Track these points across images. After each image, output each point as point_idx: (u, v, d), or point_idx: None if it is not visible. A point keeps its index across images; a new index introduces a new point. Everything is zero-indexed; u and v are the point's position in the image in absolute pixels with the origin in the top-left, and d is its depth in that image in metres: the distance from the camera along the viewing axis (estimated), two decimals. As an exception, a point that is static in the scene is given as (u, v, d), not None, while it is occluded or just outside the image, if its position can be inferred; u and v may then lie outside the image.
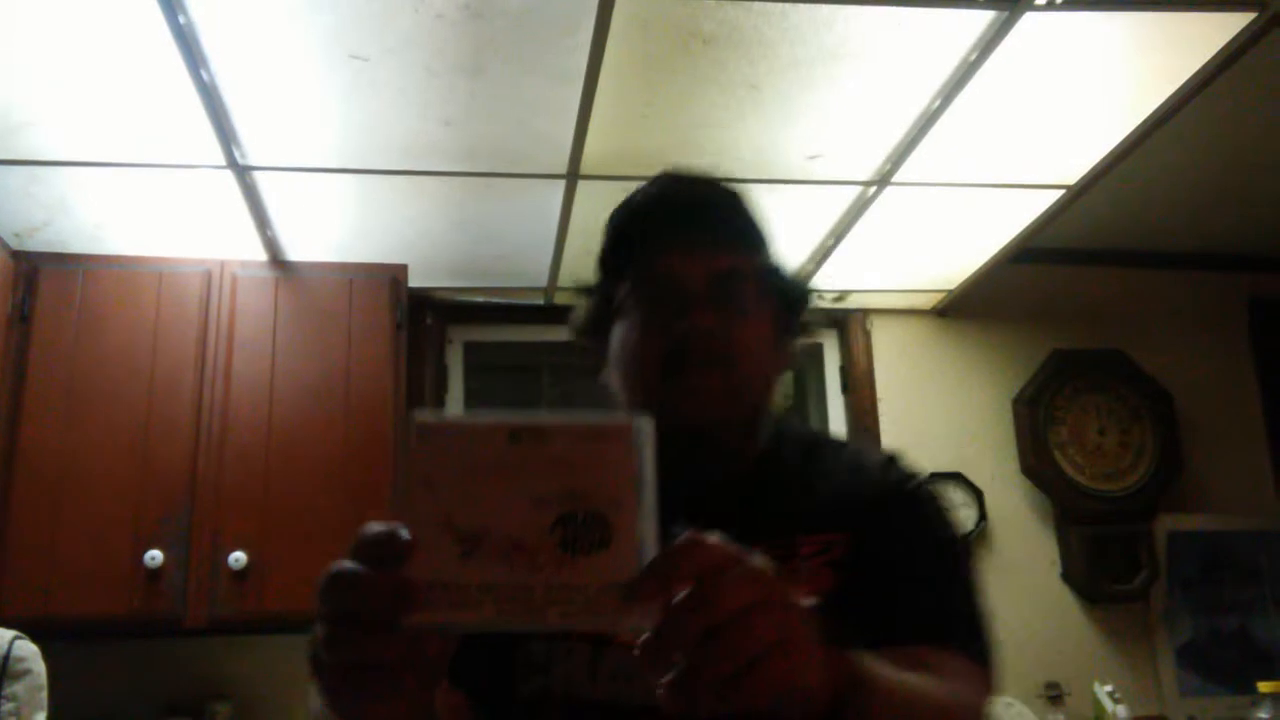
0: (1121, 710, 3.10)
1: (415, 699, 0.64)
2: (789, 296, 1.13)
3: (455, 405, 3.38)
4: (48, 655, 2.02)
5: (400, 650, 0.61)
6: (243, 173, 2.52)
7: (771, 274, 1.12)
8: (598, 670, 0.99)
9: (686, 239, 1.07)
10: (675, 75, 2.23)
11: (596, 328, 1.11)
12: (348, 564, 0.64)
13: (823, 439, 1.25)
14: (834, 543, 1.02)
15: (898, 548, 1.04)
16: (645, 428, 0.61)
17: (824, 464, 1.12)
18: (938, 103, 2.34)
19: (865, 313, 3.60)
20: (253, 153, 2.45)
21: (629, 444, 0.61)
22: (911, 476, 1.12)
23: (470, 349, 3.47)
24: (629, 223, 1.11)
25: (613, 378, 1.10)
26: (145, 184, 2.57)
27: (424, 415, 0.63)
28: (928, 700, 0.87)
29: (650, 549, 0.60)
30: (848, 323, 3.59)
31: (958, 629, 1.02)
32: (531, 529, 0.59)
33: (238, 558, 2.65)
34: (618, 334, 1.08)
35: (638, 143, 2.48)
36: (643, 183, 1.15)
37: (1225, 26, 2.13)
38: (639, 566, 0.59)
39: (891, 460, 1.13)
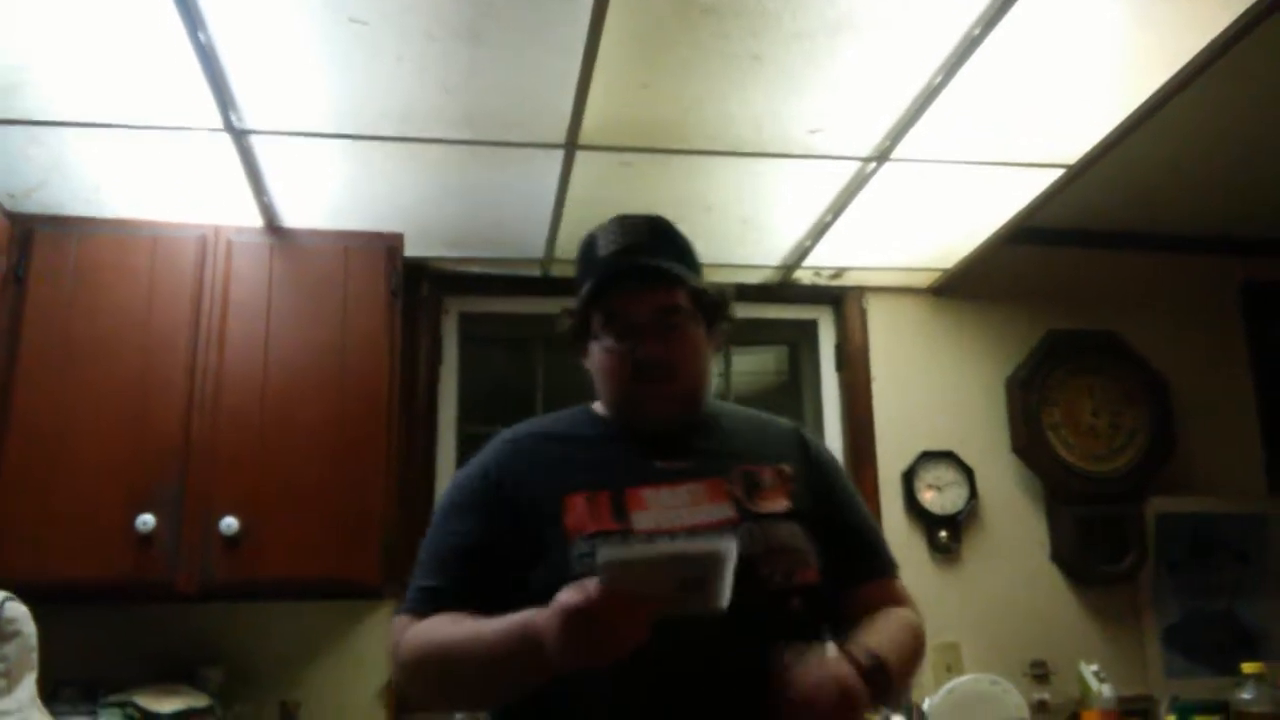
0: (1107, 689, 3.12)
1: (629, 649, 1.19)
2: (713, 309, 1.56)
3: (449, 375, 3.37)
4: (39, 617, 2.02)
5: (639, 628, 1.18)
6: (240, 136, 2.50)
7: (700, 295, 1.54)
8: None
9: (637, 283, 1.49)
10: (676, 45, 2.21)
11: (577, 339, 1.58)
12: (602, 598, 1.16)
13: (735, 405, 1.78)
14: (782, 470, 1.53)
15: (835, 487, 1.60)
16: (730, 549, 1.15)
17: (750, 419, 1.67)
18: (939, 78, 2.33)
19: (862, 290, 3.60)
20: (250, 116, 2.43)
21: (721, 559, 1.15)
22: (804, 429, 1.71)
23: (466, 319, 3.46)
24: (594, 268, 1.52)
25: (596, 378, 1.57)
26: (142, 147, 2.56)
27: (606, 556, 1.16)
28: (909, 644, 1.49)
29: (727, 587, 1.17)
30: (844, 300, 3.59)
31: (887, 560, 1.62)
32: (668, 589, 1.16)
33: (230, 523, 2.65)
34: (595, 351, 1.54)
35: (637, 113, 2.47)
36: (604, 224, 1.58)
37: (1229, 7, 2.13)
38: (721, 595, 1.16)
39: (787, 420, 1.71)
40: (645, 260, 1.49)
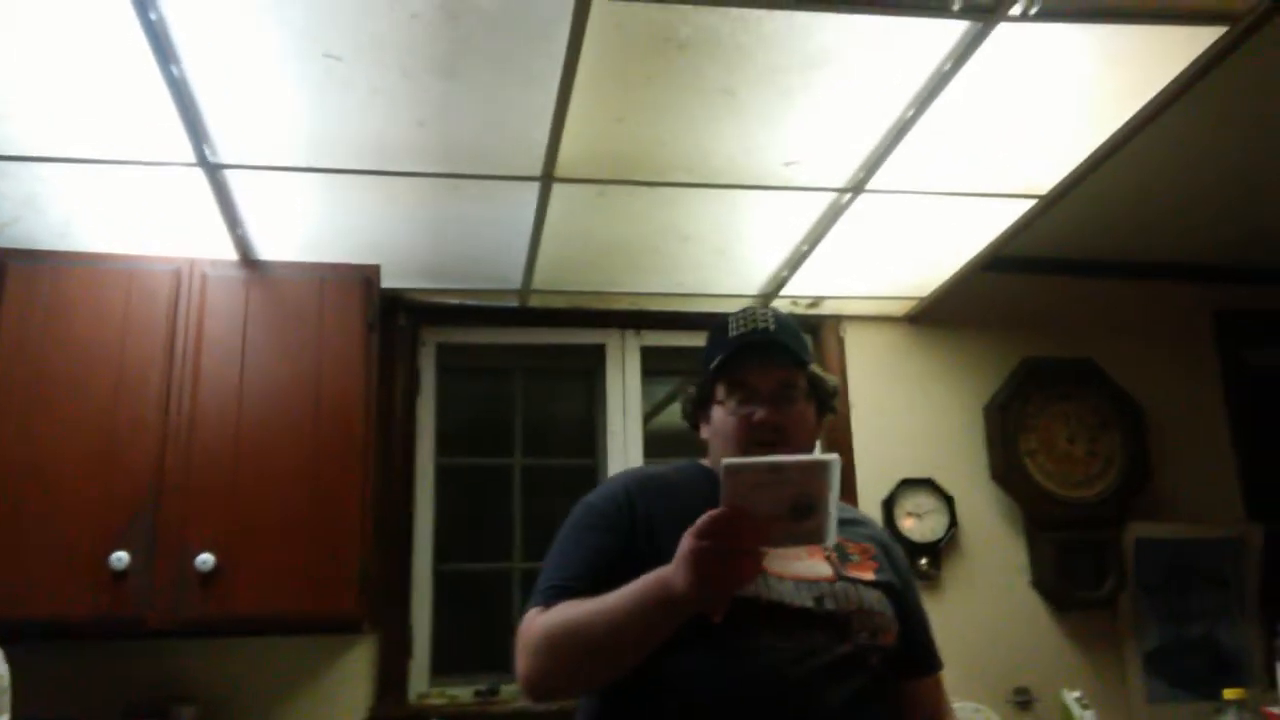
0: (1089, 716, 3.12)
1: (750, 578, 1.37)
2: (822, 391, 1.77)
3: (427, 407, 3.36)
4: (11, 658, 1.99)
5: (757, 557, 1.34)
6: (213, 171, 2.50)
7: (813, 378, 1.74)
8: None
9: (761, 359, 1.70)
10: (651, 80, 2.22)
11: (699, 407, 1.79)
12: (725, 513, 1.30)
13: None
14: (868, 549, 1.74)
15: (905, 582, 1.77)
16: (834, 463, 1.28)
17: (842, 507, 1.68)
18: (911, 111, 2.35)
19: (839, 319, 3.62)
20: (224, 151, 2.42)
21: (827, 469, 1.28)
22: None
23: (443, 350, 3.45)
24: (725, 345, 1.71)
25: (713, 440, 1.75)
26: (115, 181, 2.55)
27: (729, 460, 1.30)
28: None
29: (834, 517, 1.30)
30: (821, 329, 3.60)
31: (937, 658, 1.82)
32: (783, 509, 1.28)
33: (205, 559, 2.63)
34: (716, 415, 1.73)
35: (613, 147, 2.48)
36: (735, 312, 1.77)
37: (1196, 40, 2.15)
38: (828, 523, 1.30)
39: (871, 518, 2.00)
40: (774, 339, 1.71)
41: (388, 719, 3.02)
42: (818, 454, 1.31)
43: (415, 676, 3.12)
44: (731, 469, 1.28)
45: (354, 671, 3.05)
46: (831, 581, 1.61)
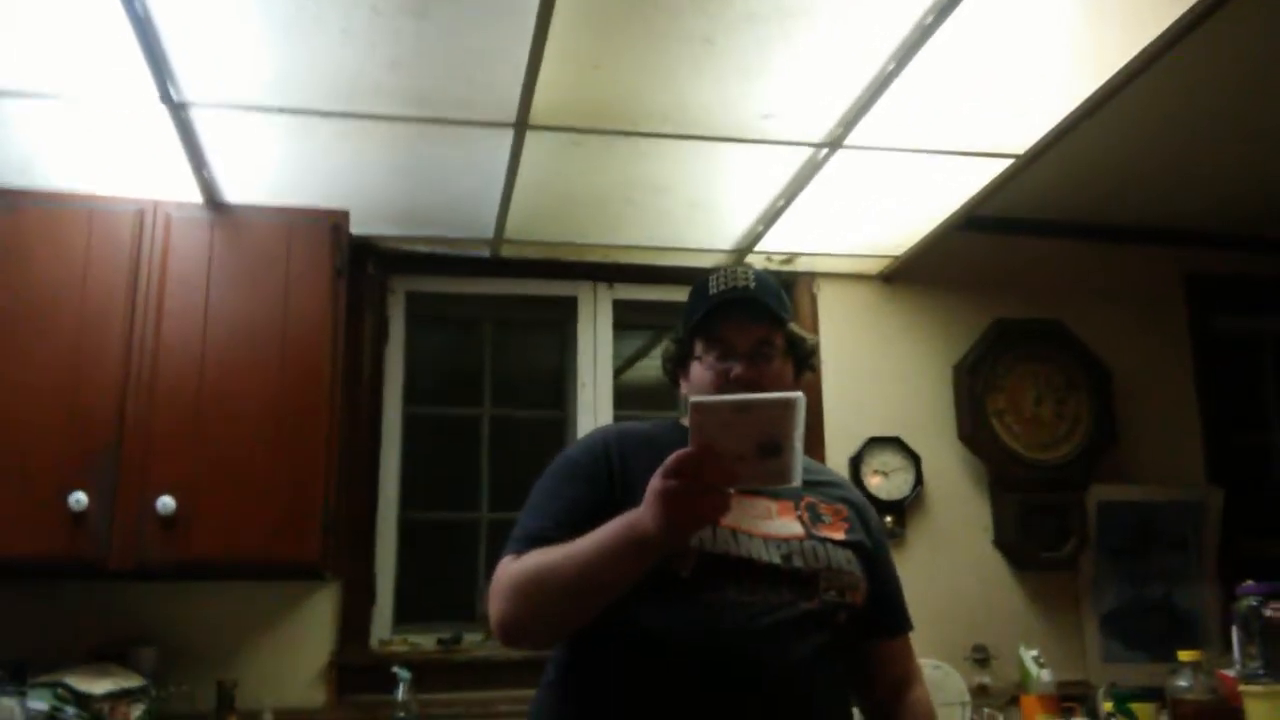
0: (1046, 674, 3.16)
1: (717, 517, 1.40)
2: (800, 350, 1.79)
3: (395, 356, 3.33)
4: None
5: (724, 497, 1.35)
6: (178, 109, 2.43)
7: (792, 336, 1.77)
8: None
9: (740, 316, 1.71)
10: (628, 25, 2.18)
11: (678, 363, 1.80)
12: (693, 451, 1.31)
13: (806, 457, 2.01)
14: (840, 510, 1.75)
15: (876, 543, 1.78)
16: (799, 400, 1.29)
17: (819, 469, 1.88)
18: (892, 66, 2.33)
19: (813, 276, 3.60)
20: (188, 89, 2.36)
21: (792, 407, 1.29)
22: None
23: (413, 299, 3.41)
24: (706, 302, 1.72)
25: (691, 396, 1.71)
26: (77, 118, 2.48)
27: (697, 397, 1.34)
28: None
29: (799, 456, 1.32)
30: (795, 285, 3.59)
31: (906, 618, 1.83)
32: (750, 448, 1.30)
33: (166, 502, 2.60)
34: (695, 371, 1.74)
35: (588, 94, 2.44)
36: (715, 269, 1.78)
37: (1176, 3, 2.13)
38: (794, 462, 1.31)
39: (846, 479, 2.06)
40: (752, 298, 1.71)
41: (350, 665, 3.03)
42: (783, 393, 1.32)
43: (378, 624, 3.12)
44: (699, 406, 1.31)
45: (316, 617, 3.05)
46: (801, 540, 1.63)
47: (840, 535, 1.69)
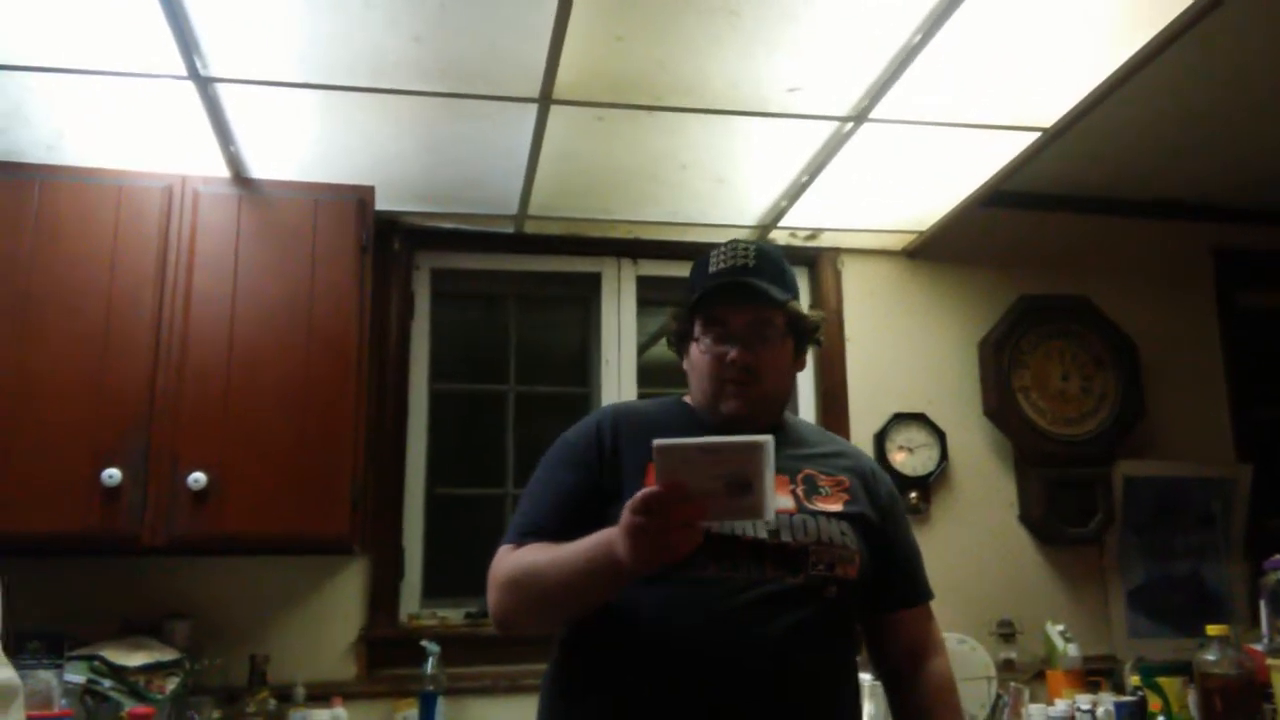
0: (1072, 649, 3.16)
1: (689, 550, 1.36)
2: (802, 329, 1.76)
3: (421, 332, 3.34)
4: (3, 571, 1.99)
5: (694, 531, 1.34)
6: (205, 84, 2.45)
7: (792, 315, 1.73)
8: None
9: (737, 297, 1.69)
10: (653, -2, 2.18)
11: (680, 341, 1.79)
12: (659, 492, 1.30)
13: (815, 425, 2.12)
14: (841, 482, 1.73)
15: (889, 514, 1.77)
16: (768, 444, 1.29)
17: (824, 438, 1.89)
18: (918, 38, 2.31)
19: (837, 252, 3.59)
20: (215, 64, 2.38)
21: (759, 451, 1.28)
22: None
23: (437, 276, 3.43)
24: (704, 281, 1.73)
25: (691, 375, 1.77)
26: (105, 93, 2.50)
27: (660, 441, 1.29)
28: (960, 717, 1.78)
29: (771, 492, 1.30)
30: (819, 261, 3.58)
31: (925, 589, 1.82)
32: (719, 486, 1.28)
33: (198, 478, 2.63)
34: (694, 351, 1.75)
35: (612, 67, 2.43)
36: (718, 245, 1.77)
37: (1210, -31, 2.11)
38: (766, 500, 1.29)
39: (857, 448, 1.94)
40: (750, 280, 1.70)
41: (379, 639, 3.05)
42: (751, 436, 1.31)
43: (406, 598, 3.15)
44: (661, 450, 1.29)
45: (346, 592, 3.07)
46: (792, 514, 1.63)
47: (837, 507, 1.68)
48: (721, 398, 1.71)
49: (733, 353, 1.68)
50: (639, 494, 1.32)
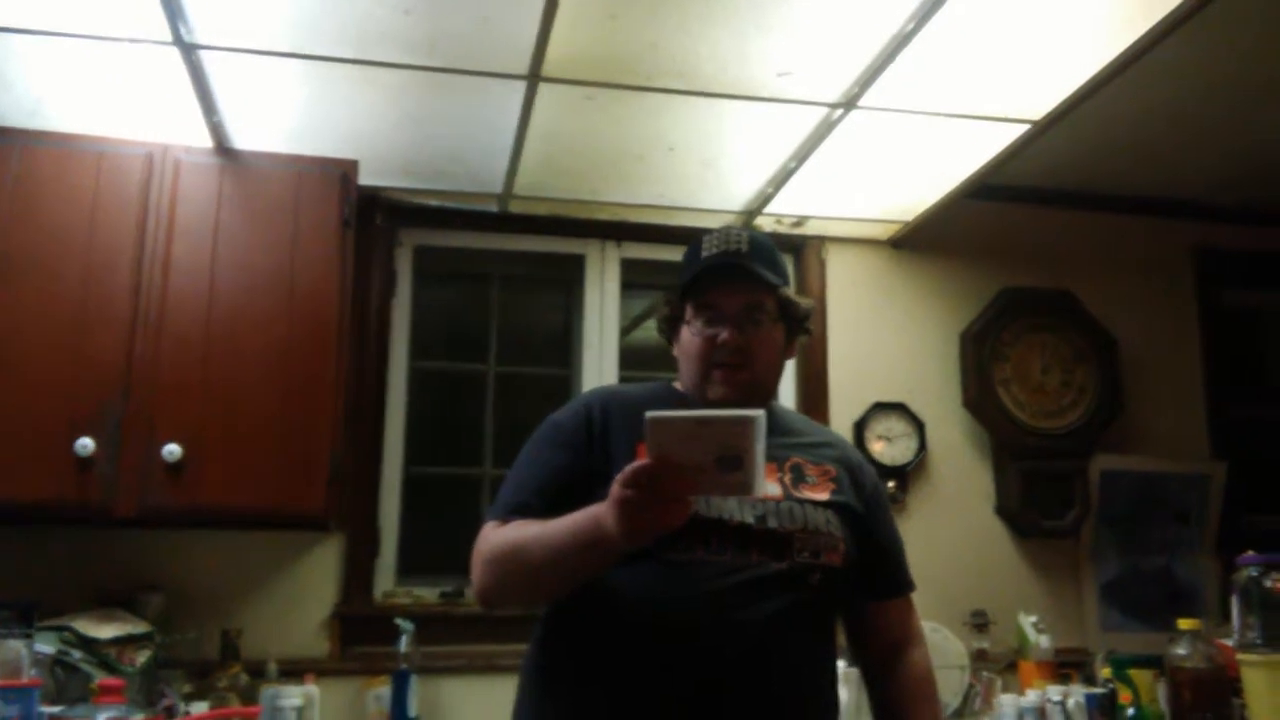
0: (1044, 641, 3.19)
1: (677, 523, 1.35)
2: (793, 315, 1.77)
3: (402, 309, 3.32)
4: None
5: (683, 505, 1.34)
6: (189, 50, 2.41)
7: (784, 302, 1.74)
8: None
9: (729, 280, 1.70)
10: (646, -24, 2.16)
11: (671, 325, 1.80)
12: (649, 465, 1.29)
13: (801, 415, 2.05)
14: (828, 470, 1.74)
15: (872, 504, 1.78)
16: (759, 418, 1.28)
17: (811, 427, 1.90)
18: (911, 25, 2.30)
19: (822, 240, 3.59)
20: (200, 30, 2.34)
21: (751, 425, 1.27)
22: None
23: (420, 253, 3.40)
24: (697, 264, 1.72)
25: (681, 359, 1.77)
26: (88, 58, 2.46)
27: (652, 414, 1.28)
28: (938, 715, 1.81)
29: (761, 468, 1.29)
30: (804, 249, 3.58)
31: (907, 580, 1.84)
32: (709, 461, 1.28)
33: (172, 450, 2.60)
34: (685, 334, 1.75)
35: (602, 46, 2.41)
36: (710, 231, 1.78)
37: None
38: (756, 475, 1.28)
39: (843, 437, 1.98)
40: (743, 263, 1.70)
41: (353, 616, 3.04)
42: (742, 410, 1.30)
43: (381, 576, 3.14)
44: (654, 422, 1.29)
45: (321, 568, 3.06)
46: (779, 501, 1.64)
47: (823, 496, 1.69)
48: (709, 381, 1.71)
49: (724, 334, 1.68)
50: (629, 467, 1.31)
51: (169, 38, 2.35)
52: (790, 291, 1.77)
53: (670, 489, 1.31)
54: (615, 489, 1.33)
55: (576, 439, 1.68)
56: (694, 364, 1.73)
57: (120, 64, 2.48)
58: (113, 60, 2.46)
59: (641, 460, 1.31)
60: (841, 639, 1.81)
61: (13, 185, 2.67)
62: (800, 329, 1.81)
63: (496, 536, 1.59)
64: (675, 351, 1.80)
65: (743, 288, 1.71)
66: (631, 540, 1.35)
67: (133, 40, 2.37)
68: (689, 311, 1.74)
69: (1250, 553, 2.76)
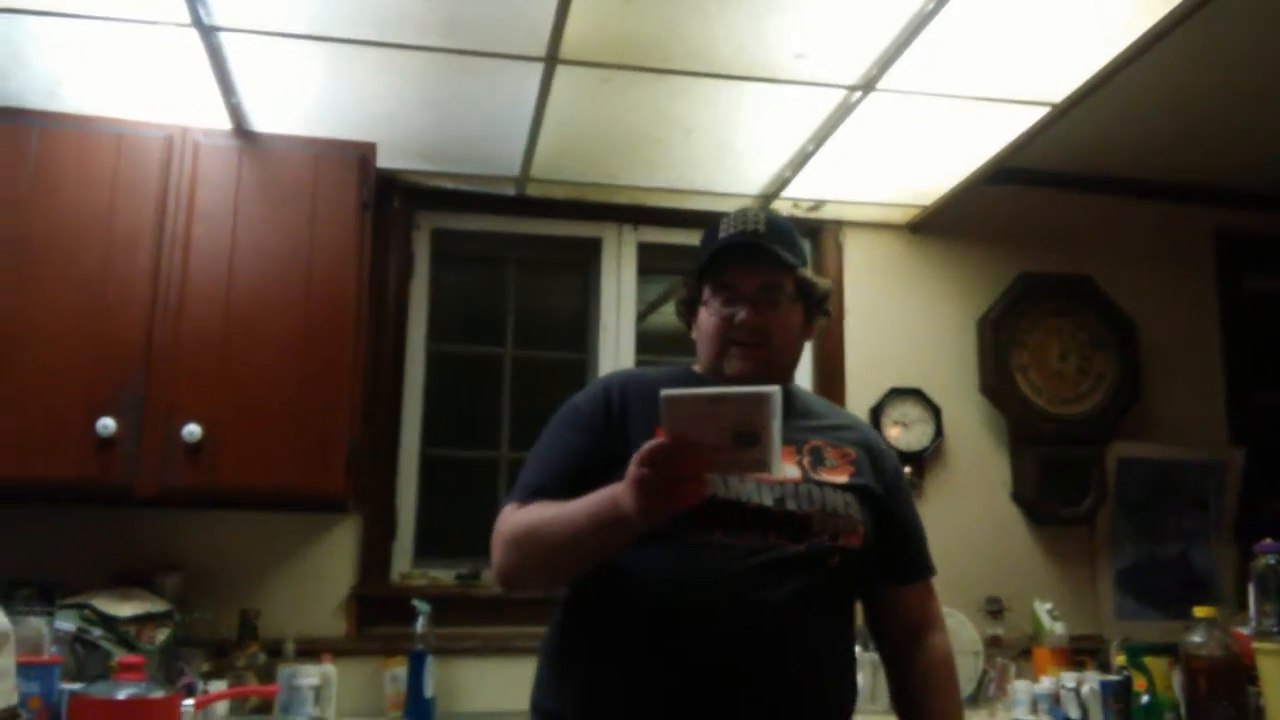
0: (1059, 627, 3.18)
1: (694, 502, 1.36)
2: (811, 295, 1.77)
3: (419, 292, 3.33)
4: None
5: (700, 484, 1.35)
6: (208, 33, 2.42)
7: (802, 283, 1.74)
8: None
9: (746, 260, 1.70)
10: (664, -43, 2.15)
11: (689, 308, 1.80)
12: (665, 443, 1.30)
13: (821, 398, 2.04)
14: (847, 453, 1.73)
15: (892, 487, 1.77)
16: (775, 394, 1.27)
17: (831, 410, 1.90)
18: (931, 5, 2.29)
19: (839, 224, 3.57)
20: (219, 12, 2.35)
21: (766, 401, 1.27)
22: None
23: (438, 236, 3.41)
24: (715, 245, 1.72)
25: (699, 340, 1.77)
26: (107, 39, 2.47)
27: (667, 391, 1.28)
28: (956, 701, 1.81)
29: (778, 446, 1.29)
30: (821, 233, 3.57)
31: (927, 564, 1.83)
32: (725, 439, 1.28)
33: (192, 430, 2.62)
34: (702, 316, 1.75)
35: (620, 28, 2.40)
36: (728, 213, 1.78)
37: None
38: (772, 452, 1.28)
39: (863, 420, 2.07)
40: (760, 243, 1.70)
41: (370, 597, 3.06)
42: (758, 387, 1.30)
43: (398, 557, 3.16)
44: (669, 400, 1.29)
45: (338, 550, 3.08)
46: (798, 483, 1.63)
47: (842, 479, 1.68)
48: (726, 359, 1.72)
49: (741, 314, 1.69)
50: (645, 445, 1.32)
51: (188, 19, 2.36)
52: (808, 272, 1.77)
53: (687, 467, 1.31)
54: (632, 468, 1.34)
55: (595, 422, 1.68)
56: (711, 343, 1.73)
57: (139, 46, 2.49)
58: (131, 42, 2.47)
59: (657, 439, 1.31)
60: (860, 623, 1.81)
61: (33, 167, 2.69)
62: (819, 310, 1.80)
63: (516, 518, 1.60)
64: (694, 334, 1.81)
65: (760, 268, 1.71)
66: (648, 518, 1.36)
67: (151, 22, 2.38)
68: (706, 293, 1.74)
69: (1268, 540, 2.74)
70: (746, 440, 1.29)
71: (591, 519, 1.45)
